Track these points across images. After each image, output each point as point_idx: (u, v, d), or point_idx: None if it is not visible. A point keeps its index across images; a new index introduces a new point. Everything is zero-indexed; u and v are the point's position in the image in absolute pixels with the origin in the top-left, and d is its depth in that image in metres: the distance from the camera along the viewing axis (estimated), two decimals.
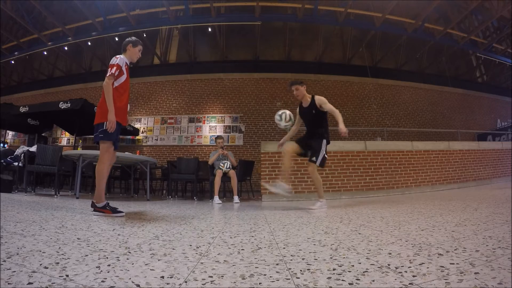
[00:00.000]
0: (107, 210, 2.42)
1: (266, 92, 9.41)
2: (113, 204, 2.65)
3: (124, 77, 2.54)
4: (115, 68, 2.45)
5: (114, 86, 2.47)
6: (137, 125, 9.22)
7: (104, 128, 2.42)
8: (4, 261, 0.97)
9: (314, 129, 3.35)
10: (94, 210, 2.45)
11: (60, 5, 8.55)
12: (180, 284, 0.83)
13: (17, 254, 1.07)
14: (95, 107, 7.54)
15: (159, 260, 1.08)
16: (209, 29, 9.37)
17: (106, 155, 2.49)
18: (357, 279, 0.85)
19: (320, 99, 3.31)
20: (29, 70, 11.27)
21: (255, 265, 1.04)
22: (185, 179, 5.93)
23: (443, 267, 0.93)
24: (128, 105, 3.12)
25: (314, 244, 1.36)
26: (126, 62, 2.59)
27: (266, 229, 1.86)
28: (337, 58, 10.50)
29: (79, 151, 4.60)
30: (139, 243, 1.36)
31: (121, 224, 1.93)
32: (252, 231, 1.79)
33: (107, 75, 2.42)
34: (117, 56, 2.55)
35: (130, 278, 0.86)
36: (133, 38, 2.72)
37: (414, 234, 1.52)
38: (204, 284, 0.84)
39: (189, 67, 9.93)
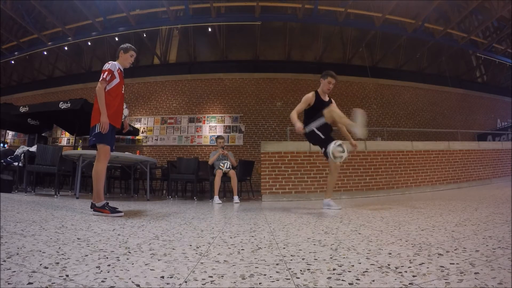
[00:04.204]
0: (106, 210, 2.44)
1: (266, 92, 9.41)
2: (113, 204, 2.67)
3: (116, 81, 2.64)
4: (106, 73, 2.56)
5: (106, 90, 2.57)
6: (137, 125, 9.22)
7: (97, 131, 2.51)
8: (4, 261, 0.97)
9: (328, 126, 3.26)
10: (94, 210, 2.48)
11: (60, 5, 8.55)
12: (180, 284, 0.83)
13: (17, 254, 1.07)
14: None
15: (159, 260, 1.08)
16: (209, 29, 9.36)
17: (102, 155, 2.56)
18: (357, 279, 0.85)
19: (335, 105, 3.29)
20: (29, 70, 11.27)
21: (255, 265, 1.03)
22: (185, 179, 5.92)
23: (443, 267, 0.93)
24: (127, 109, 3.19)
25: (314, 244, 1.36)
26: (118, 68, 2.70)
27: (266, 229, 1.86)
28: (337, 58, 10.50)
29: (79, 151, 4.60)
30: (139, 243, 1.36)
31: (121, 224, 1.93)
32: (252, 231, 1.79)
33: (100, 80, 2.54)
34: (109, 62, 2.67)
35: (130, 278, 0.86)
36: (126, 44, 2.83)
37: (414, 234, 1.51)
38: (204, 284, 0.84)
39: (189, 67, 9.93)
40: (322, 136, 3.10)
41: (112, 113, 2.59)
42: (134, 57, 2.85)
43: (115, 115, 2.64)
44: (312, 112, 3.21)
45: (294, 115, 3.12)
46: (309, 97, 3.21)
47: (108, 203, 2.53)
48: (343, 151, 2.87)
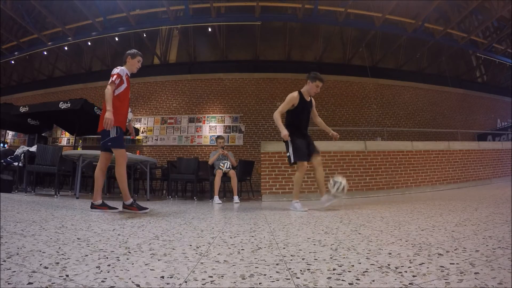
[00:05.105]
0: (134, 207, 2.62)
1: (266, 92, 9.41)
2: (113, 203, 2.72)
3: (124, 86, 2.73)
4: (115, 76, 2.64)
5: (115, 94, 2.66)
6: (137, 125, 9.22)
7: (112, 135, 2.62)
8: (4, 261, 0.97)
9: (307, 125, 3.41)
10: (123, 208, 2.66)
11: (60, 5, 8.55)
12: (180, 284, 0.83)
13: (17, 254, 1.07)
14: (95, 107, 7.49)
15: (159, 260, 1.08)
16: (209, 29, 9.36)
17: (122, 160, 2.70)
18: (357, 279, 0.85)
19: (314, 104, 3.49)
20: (29, 70, 11.27)
21: (255, 265, 1.03)
22: (185, 179, 5.93)
23: (443, 267, 0.93)
24: (131, 113, 3.29)
25: (314, 244, 1.36)
26: (126, 73, 2.78)
27: (266, 229, 1.86)
28: (337, 58, 10.50)
29: (79, 151, 4.60)
30: (139, 243, 1.36)
31: (121, 224, 1.94)
32: (252, 231, 1.79)
33: (109, 82, 2.62)
34: (118, 67, 2.75)
35: (130, 278, 0.86)
36: (133, 50, 2.91)
37: (414, 234, 1.51)
38: (204, 284, 0.84)
39: (189, 67, 9.93)
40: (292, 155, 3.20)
41: (122, 117, 2.69)
42: (141, 62, 2.92)
43: (123, 118, 2.74)
44: (295, 114, 3.30)
45: (278, 116, 3.21)
46: (294, 97, 3.27)
47: (135, 201, 2.70)
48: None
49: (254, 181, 6.51)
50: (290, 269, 0.98)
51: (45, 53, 10.03)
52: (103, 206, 2.63)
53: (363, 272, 0.92)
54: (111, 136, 2.62)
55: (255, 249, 1.29)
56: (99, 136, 2.74)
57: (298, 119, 3.30)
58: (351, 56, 10.27)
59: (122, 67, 2.77)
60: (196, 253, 1.20)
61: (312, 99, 3.46)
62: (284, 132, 3.11)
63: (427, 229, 1.62)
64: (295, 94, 3.28)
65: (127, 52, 2.88)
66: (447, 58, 10.78)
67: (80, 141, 9.31)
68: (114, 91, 2.63)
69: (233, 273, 0.93)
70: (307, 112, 3.37)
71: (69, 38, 9.07)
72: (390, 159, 5.24)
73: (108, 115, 2.53)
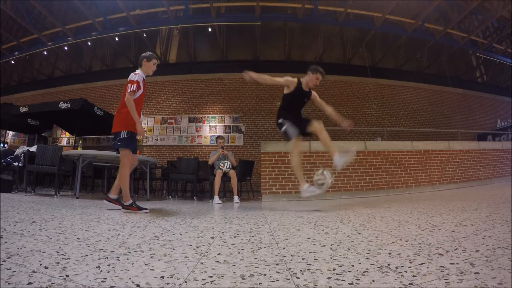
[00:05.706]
0: (133, 208, 2.67)
1: (266, 92, 9.41)
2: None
3: (140, 92, 2.77)
4: (135, 85, 2.68)
5: None
6: None
7: (122, 136, 2.69)
8: (4, 261, 0.97)
9: (300, 111, 3.36)
10: (123, 208, 2.71)
11: (60, 5, 8.56)
12: (180, 284, 0.83)
13: (17, 254, 1.07)
14: (95, 107, 7.46)
15: (159, 260, 1.08)
16: (209, 29, 9.37)
17: (126, 160, 2.74)
18: (357, 279, 0.85)
19: (315, 94, 3.43)
20: (29, 70, 11.27)
21: (255, 265, 1.03)
22: (185, 179, 5.92)
23: (443, 267, 0.93)
24: (142, 115, 3.34)
25: (314, 244, 1.36)
26: (143, 77, 2.82)
27: (266, 229, 1.86)
28: (337, 58, 10.50)
29: (79, 151, 4.60)
30: (139, 243, 1.36)
31: (121, 224, 1.93)
32: (252, 231, 1.79)
33: (128, 91, 2.67)
34: (136, 72, 2.77)
35: (130, 278, 0.86)
36: (147, 53, 2.93)
37: (414, 234, 1.51)
38: (204, 284, 0.84)
39: (189, 67, 9.94)
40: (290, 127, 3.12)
41: (134, 121, 2.74)
42: (156, 65, 2.94)
43: (135, 123, 2.79)
44: (290, 99, 3.24)
45: (263, 75, 3.12)
46: (292, 80, 3.21)
47: (135, 201, 2.75)
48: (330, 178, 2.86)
49: (254, 181, 6.51)
50: (290, 269, 0.98)
51: (45, 53, 10.03)
52: (116, 202, 2.74)
53: (363, 272, 0.92)
54: (122, 136, 2.70)
55: (255, 249, 1.29)
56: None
57: (293, 105, 3.28)
58: (351, 56, 10.27)
59: (139, 72, 2.79)
60: (196, 253, 1.20)
61: (313, 91, 3.40)
62: (252, 75, 3.03)
63: (427, 229, 1.62)
64: (294, 79, 3.23)
65: (142, 55, 2.90)
66: (447, 58, 10.78)
67: (80, 141, 9.30)
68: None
69: (233, 273, 0.93)
70: (302, 101, 3.32)
71: (69, 38, 9.07)
72: (390, 159, 5.24)
73: (139, 127, 2.67)
